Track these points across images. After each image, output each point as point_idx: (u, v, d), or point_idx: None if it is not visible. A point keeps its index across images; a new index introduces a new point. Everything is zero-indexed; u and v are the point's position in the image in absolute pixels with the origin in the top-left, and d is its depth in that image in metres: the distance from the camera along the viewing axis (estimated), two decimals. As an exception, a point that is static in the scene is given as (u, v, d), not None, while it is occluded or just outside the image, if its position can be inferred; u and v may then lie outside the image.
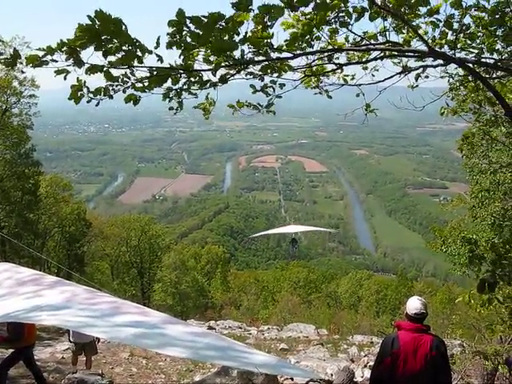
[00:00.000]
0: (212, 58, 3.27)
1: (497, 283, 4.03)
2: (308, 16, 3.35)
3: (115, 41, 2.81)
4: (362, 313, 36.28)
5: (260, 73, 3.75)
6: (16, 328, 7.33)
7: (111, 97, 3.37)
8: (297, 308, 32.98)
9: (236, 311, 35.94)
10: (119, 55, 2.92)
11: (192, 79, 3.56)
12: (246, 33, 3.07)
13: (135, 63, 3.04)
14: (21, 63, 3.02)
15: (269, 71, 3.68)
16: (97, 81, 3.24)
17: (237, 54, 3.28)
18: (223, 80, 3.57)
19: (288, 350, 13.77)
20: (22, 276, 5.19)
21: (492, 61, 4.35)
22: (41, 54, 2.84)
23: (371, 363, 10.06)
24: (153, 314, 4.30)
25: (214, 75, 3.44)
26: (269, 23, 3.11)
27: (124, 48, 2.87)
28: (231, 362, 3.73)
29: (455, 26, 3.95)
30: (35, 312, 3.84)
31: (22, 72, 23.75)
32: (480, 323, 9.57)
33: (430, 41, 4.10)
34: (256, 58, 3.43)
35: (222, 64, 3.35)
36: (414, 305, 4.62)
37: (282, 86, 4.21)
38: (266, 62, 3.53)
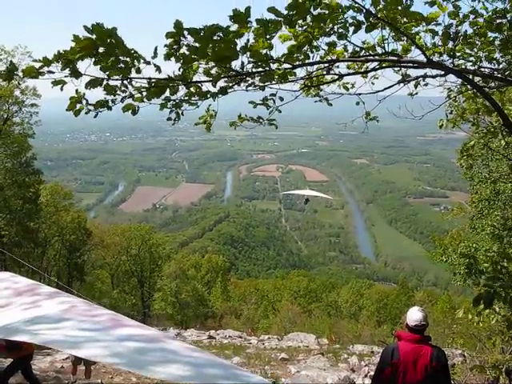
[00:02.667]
0: (213, 71, 3.28)
1: (493, 299, 3.97)
2: (304, 27, 3.35)
3: (113, 53, 2.80)
4: (363, 322, 36.04)
5: (260, 84, 3.76)
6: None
7: (110, 108, 3.37)
8: (297, 317, 32.81)
9: (236, 320, 35.73)
10: (117, 67, 2.91)
11: (192, 89, 3.57)
12: (247, 42, 3.07)
13: (134, 74, 3.03)
14: (17, 75, 3.03)
15: (269, 78, 3.68)
16: (96, 91, 3.25)
17: (237, 65, 3.29)
18: (223, 91, 3.57)
19: (288, 359, 13.66)
20: (19, 286, 5.15)
21: (490, 70, 4.37)
22: (38, 65, 2.84)
23: (372, 373, 9.98)
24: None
25: (214, 86, 3.45)
26: (268, 36, 3.12)
27: (121, 58, 2.86)
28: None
29: (453, 34, 3.97)
30: (29, 326, 3.74)
31: (21, 82, 23.94)
32: (481, 333, 9.53)
33: (429, 49, 4.12)
34: (255, 70, 3.44)
35: (222, 75, 3.35)
36: (414, 316, 4.56)
37: (281, 99, 4.24)
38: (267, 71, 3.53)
